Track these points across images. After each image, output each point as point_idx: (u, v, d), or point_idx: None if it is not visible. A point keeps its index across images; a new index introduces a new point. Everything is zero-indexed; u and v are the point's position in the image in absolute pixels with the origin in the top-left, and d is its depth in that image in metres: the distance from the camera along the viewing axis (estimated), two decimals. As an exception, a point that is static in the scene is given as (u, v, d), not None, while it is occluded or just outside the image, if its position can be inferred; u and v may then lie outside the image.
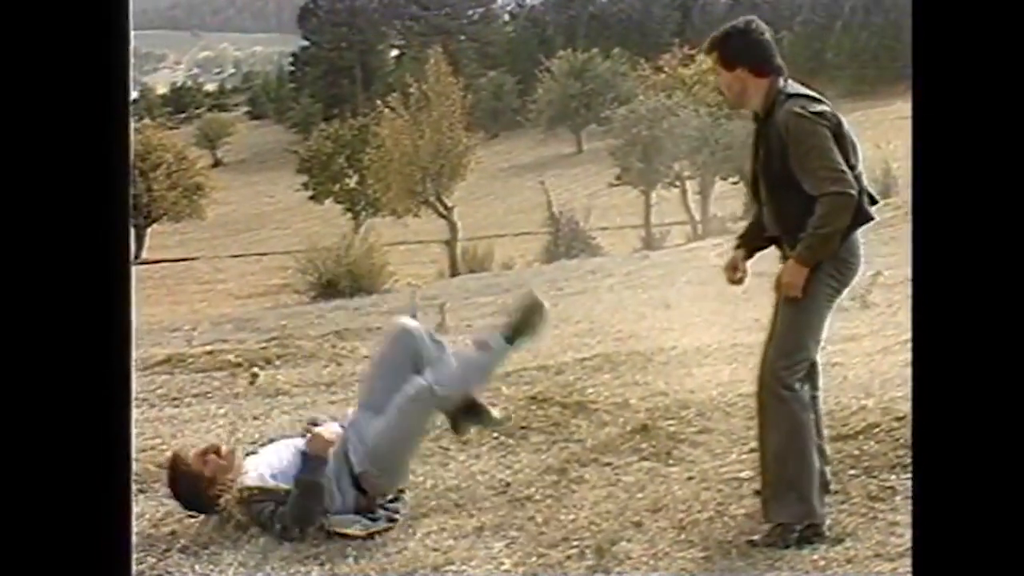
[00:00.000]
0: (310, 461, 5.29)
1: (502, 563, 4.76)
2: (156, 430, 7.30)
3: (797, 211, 5.00)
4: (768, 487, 5.03)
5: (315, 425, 5.53)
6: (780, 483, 4.96)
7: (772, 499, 4.96)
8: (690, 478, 5.73)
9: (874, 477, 5.43)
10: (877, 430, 5.96)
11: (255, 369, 9.58)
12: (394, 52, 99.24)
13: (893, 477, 5.32)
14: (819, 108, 4.99)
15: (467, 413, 5.68)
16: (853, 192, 4.89)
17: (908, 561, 4.44)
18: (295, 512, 5.16)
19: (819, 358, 5.24)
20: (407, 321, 5.96)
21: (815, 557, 4.62)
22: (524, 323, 5.62)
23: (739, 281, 5.48)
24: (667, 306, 13.90)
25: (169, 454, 5.71)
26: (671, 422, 6.59)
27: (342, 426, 5.57)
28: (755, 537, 4.90)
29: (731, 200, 49.16)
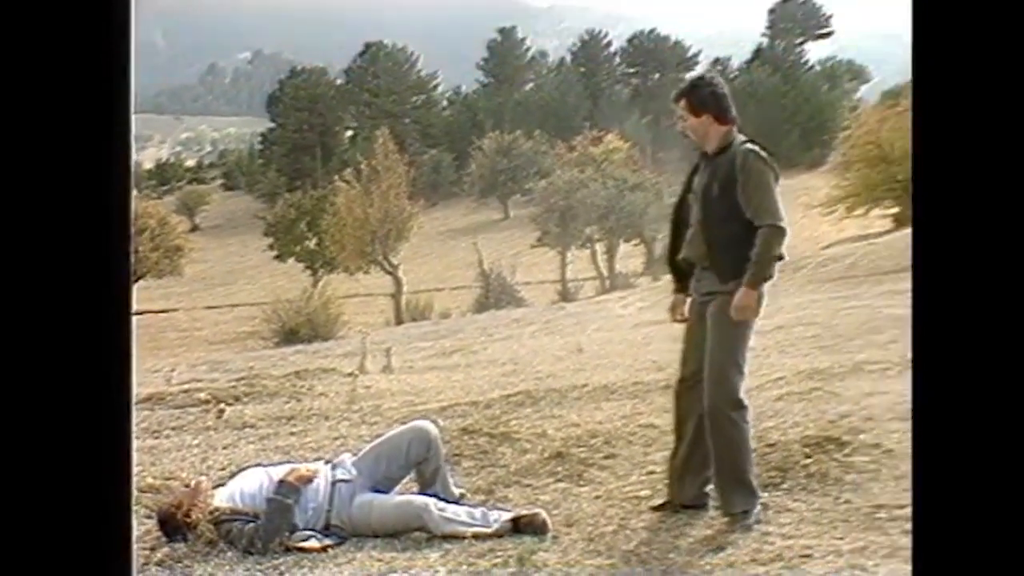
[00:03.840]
0: (284, 487, 5.27)
1: (437, 570, 4.73)
2: (139, 459, 7.20)
3: (731, 239, 5.05)
4: (726, 486, 5.09)
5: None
6: (738, 483, 5.05)
7: (732, 494, 5.04)
8: (597, 497, 5.75)
9: (753, 494, 5.48)
10: (753, 455, 6.02)
11: (221, 405, 9.52)
12: (348, 133, 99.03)
13: (766, 494, 5.36)
14: (768, 155, 5.13)
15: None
16: (786, 227, 5.02)
17: (779, 565, 4.49)
18: (266, 527, 5.13)
19: None
20: (430, 428, 5.81)
21: (703, 563, 4.65)
22: (527, 527, 5.17)
23: (683, 321, 5.42)
24: (580, 350, 13.94)
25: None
26: (582, 449, 6.60)
27: (330, 464, 5.58)
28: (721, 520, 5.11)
29: (633, 259, 49.60)
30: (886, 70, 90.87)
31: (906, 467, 5.76)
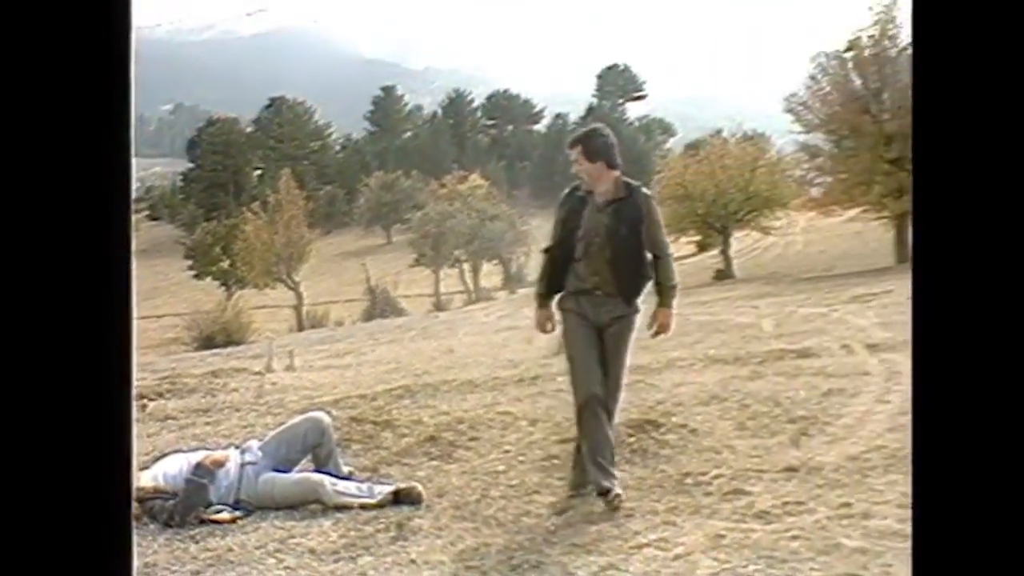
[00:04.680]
0: (200, 469, 5.17)
1: (330, 535, 4.67)
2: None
3: (636, 271, 4.97)
4: (595, 468, 4.87)
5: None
6: (606, 465, 4.87)
7: (600, 474, 4.83)
8: (463, 472, 5.73)
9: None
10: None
11: (144, 400, 9.26)
12: (256, 172, 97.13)
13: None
14: None
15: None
16: None
17: (609, 523, 4.53)
18: (184, 503, 5.02)
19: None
20: (324, 417, 5.72)
21: (548, 523, 4.66)
22: (405, 498, 5.08)
23: (552, 330, 5.19)
24: (451, 351, 13.91)
25: None
26: (450, 433, 6.59)
27: (239, 448, 5.48)
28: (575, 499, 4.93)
29: (494, 276, 49.80)
30: (688, 127, 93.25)
31: (707, 442, 5.91)
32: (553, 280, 5.09)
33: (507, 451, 6.12)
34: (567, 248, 5.01)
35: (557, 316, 5.16)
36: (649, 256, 5.04)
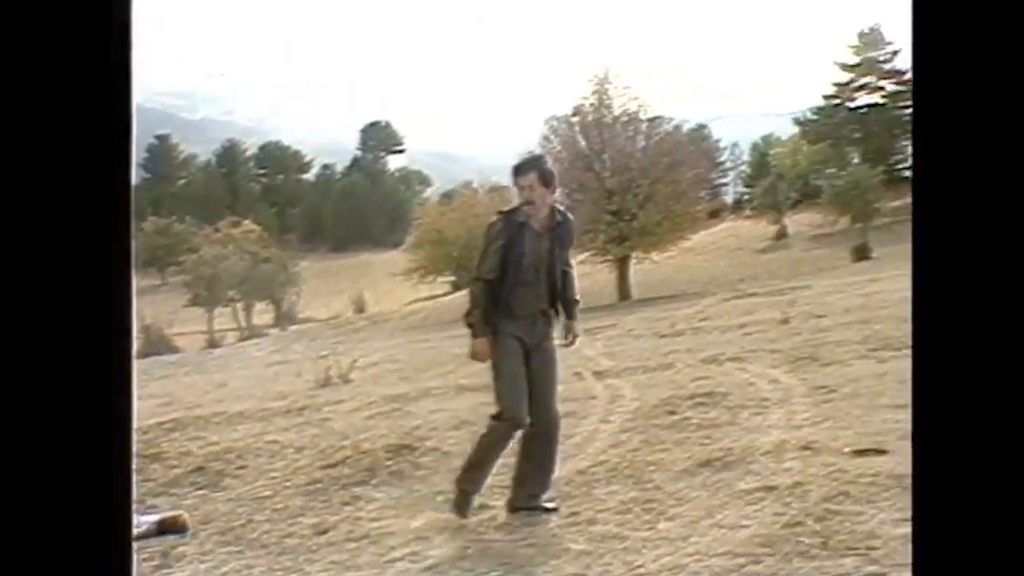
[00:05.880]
0: None
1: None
2: None
3: (566, 290, 4.81)
4: (532, 474, 4.68)
5: None
6: (545, 474, 4.70)
7: (536, 481, 4.67)
8: (230, 499, 5.50)
9: (351, 489, 5.44)
10: (351, 459, 5.99)
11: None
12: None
13: (359, 489, 5.36)
14: None
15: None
16: None
17: (366, 540, 4.45)
18: None
19: None
20: None
21: (311, 543, 4.53)
22: (170, 527, 4.80)
23: (487, 359, 4.75)
24: (223, 385, 13.39)
25: None
26: (218, 463, 6.31)
27: None
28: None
29: (265, 315, 48.42)
30: (443, 178, 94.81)
31: (458, 463, 5.94)
32: (489, 307, 4.70)
33: (273, 477, 5.92)
34: (506, 274, 4.66)
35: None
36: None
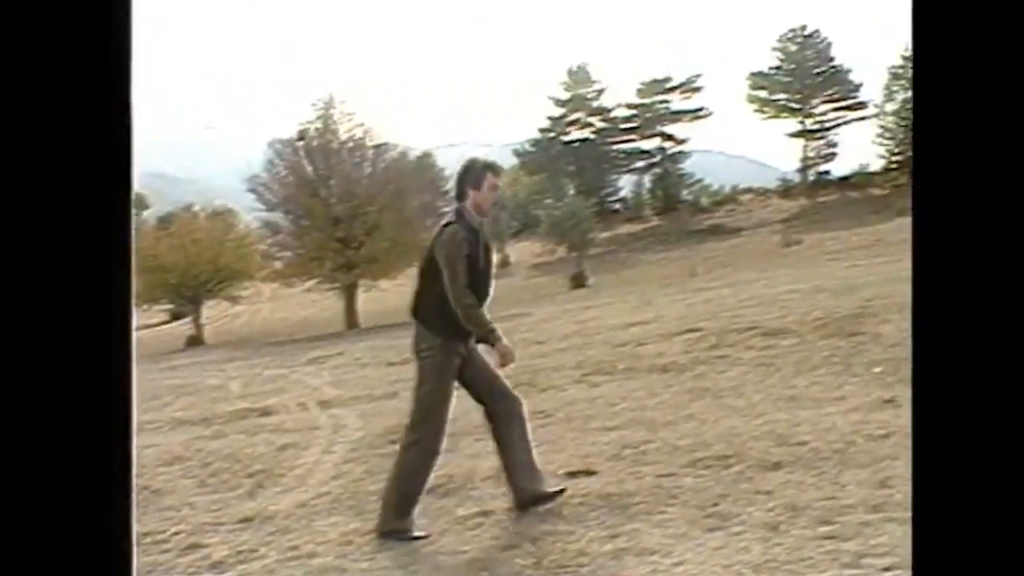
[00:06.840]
0: None
1: None
2: None
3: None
4: (523, 470, 4.48)
5: None
6: (533, 468, 4.51)
7: (531, 477, 4.49)
8: None
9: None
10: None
11: None
12: None
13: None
14: None
15: None
16: None
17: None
18: None
19: None
20: None
21: None
22: None
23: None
24: None
25: None
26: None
27: None
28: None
29: None
30: (162, 200, 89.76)
31: (168, 500, 5.62)
32: (449, 322, 4.34)
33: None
34: (474, 284, 4.34)
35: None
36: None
